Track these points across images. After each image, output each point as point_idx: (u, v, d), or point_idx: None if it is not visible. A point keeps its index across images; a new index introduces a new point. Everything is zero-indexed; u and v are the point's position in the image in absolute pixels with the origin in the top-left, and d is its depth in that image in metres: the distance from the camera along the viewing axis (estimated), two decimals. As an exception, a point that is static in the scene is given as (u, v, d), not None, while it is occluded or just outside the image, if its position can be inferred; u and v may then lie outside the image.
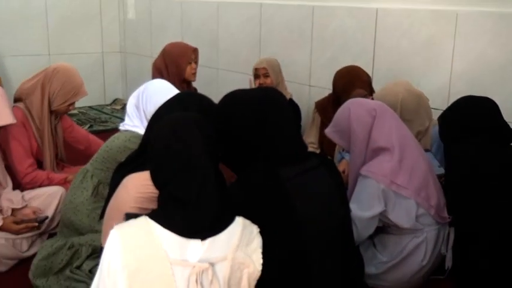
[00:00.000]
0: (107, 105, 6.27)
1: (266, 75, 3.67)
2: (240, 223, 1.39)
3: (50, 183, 3.01)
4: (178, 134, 1.41)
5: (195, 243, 1.32)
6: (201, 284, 1.30)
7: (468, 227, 2.32)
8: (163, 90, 2.62)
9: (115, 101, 6.30)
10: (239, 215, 1.43)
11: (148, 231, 1.31)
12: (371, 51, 3.65)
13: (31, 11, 5.65)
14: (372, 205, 2.22)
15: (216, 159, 1.49)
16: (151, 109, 2.50)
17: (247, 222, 1.42)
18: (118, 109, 6.09)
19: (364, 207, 2.22)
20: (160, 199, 1.43)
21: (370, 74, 3.38)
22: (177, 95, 2.22)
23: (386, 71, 3.52)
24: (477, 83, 3.02)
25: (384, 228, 2.36)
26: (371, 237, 2.39)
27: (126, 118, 2.81)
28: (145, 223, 1.33)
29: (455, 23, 3.15)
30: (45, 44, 5.79)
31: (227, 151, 1.70)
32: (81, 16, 5.98)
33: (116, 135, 2.64)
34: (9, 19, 5.50)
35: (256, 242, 1.41)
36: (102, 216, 2.20)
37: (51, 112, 3.11)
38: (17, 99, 3.09)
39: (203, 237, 1.32)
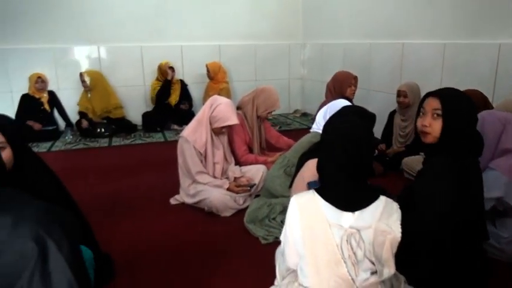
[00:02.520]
0: (290, 113, 6.37)
1: (405, 96, 3.42)
2: (382, 201, 1.30)
3: (256, 162, 3.10)
4: (338, 135, 1.34)
5: (347, 213, 1.27)
6: (350, 244, 1.26)
7: None
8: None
9: (295, 111, 6.37)
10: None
11: (315, 201, 1.30)
12: (493, 78, 3.17)
13: (247, 52, 5.97)
14: (492, 190, 1.96)
15: (369, 155, 1.37)
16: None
17: (389, 200, 1.32)
18: (297, 116, 6.15)
19: (485, 189, 1.96)
20: (321, 179, 1.39)
21: (491, 97, 2.95)
22: (345, 106, 2.16)
23: (505, 93, 3.03)
24: None
25: (505, 212, 2.04)
26: (492, 219, 2.10)
27: (314, 125, 2.82)
28: (313, 196, 1.32)
29: None
30: (253, 73, 6.08)
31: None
32: (276, 55, 6.15)
33: (307, 134, 2.65)
34: (236, 58, 5.88)
35: (396, 216, 1.29)
36: (290, 186, 2.23)
37: (257, 117, 3.22)
38: (238, 108, 3.24)
39: (353, 211, 1.27)
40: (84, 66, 5.23)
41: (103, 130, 4.87)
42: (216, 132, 2.78)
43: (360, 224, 1.26)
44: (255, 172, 2.95)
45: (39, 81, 4.78)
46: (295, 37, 6.24)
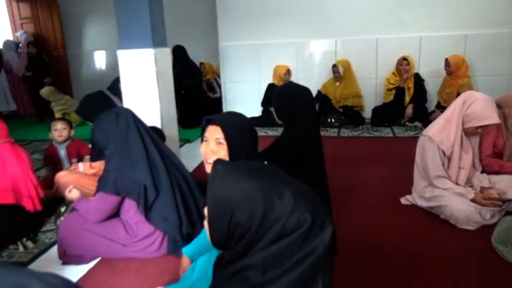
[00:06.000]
0: None
1: None
2: None
3: (500, 169, 2.58)
4: None
5: None
6: None
7: None
8: None
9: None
10: None
11: None
12: None
13: (501, 41, 5.03)
14: None
15: None
16: None
17: None
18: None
19: None
20: None
21: None
22: None
23: None
24: None
25: None
26: None
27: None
28: None
29: None
30: (507, 66, 5.09)
31: None
32: (495, 46, 5.01)
33: None
34: (486, 49, 5.07)
35: None
36: None
37: None
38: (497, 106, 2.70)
39: None
40: (321, 58, 5.50)
41: (333, 120, 5.04)
42: (469, 132, 2.43)
43: None
44: (509, 184, 2.47)
45: (287, 73, 5.33)
46: None
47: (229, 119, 1.51)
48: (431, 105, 5.08)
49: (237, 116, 1.55)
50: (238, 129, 1.47)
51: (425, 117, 4.76)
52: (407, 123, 4.90)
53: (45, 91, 5.70)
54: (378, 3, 5.20)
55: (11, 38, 7.01)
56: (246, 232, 0.88)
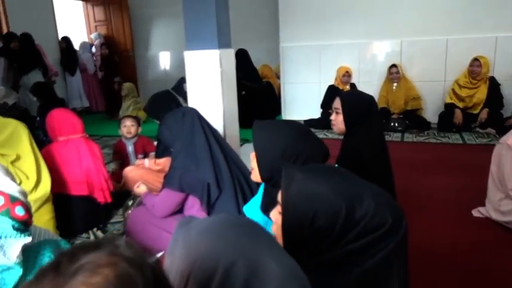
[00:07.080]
0: None
1: None
2: None
3: None
4: None
5: None
6: None
7: None
8: None
9: None
10: None
11: None
12: None
13: None
14: None
15: None
16: None
17: None
18: None
19: None
20: None
21: None
22: None
23: None
24: None
25: None
26: None
27: None
28: None
29: None
30: None
31: None
32: None
33: None
34: None
35: None
36: None
37: None
38: None
39: None
40: (384, 60, 5.30)
41: (396, 125, 4.84)
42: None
43: None
44: None
45: (346, 75, 5.20)
46: None
47: (260, 131, 1.43)
48: (507, 111, 4.70)
49: (276, 127, 1.43)
50: (268, 141, 1.39)
51: (499, 124, 4.42)
52: (477, 128, 4.58)
53: (128, 86, 5.95)
54: (448, 3, 4.92)
55: (86, 39, 7.52)
56: (328, 235, 0.86)
